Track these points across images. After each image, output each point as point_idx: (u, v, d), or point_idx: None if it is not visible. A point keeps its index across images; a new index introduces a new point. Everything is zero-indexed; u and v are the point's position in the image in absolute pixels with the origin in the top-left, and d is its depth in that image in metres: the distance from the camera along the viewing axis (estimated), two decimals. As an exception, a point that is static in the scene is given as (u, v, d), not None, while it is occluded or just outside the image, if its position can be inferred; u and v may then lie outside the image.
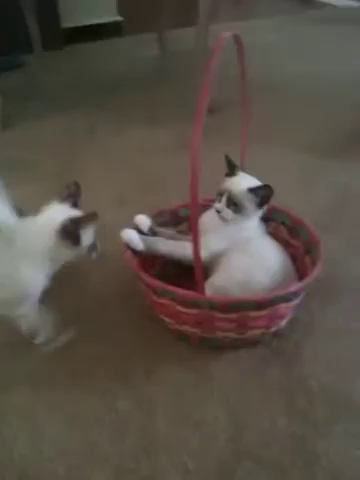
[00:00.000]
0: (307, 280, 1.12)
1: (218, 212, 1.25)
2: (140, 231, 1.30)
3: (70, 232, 1.09)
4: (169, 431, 1.04)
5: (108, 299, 1.37)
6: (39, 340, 1.25)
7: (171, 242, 1.27)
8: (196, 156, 0.92)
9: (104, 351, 1.23)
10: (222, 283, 1.20)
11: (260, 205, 1.24)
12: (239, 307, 1.10)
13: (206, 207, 1.33)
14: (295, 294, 1.13)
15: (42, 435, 1.05)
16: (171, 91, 2.89)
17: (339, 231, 1.62)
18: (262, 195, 1.22)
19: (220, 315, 1.11)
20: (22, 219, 1.15)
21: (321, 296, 1.35)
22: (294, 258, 1.30)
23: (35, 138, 2.39)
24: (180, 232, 1.40)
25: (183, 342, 1.23)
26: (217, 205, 1.26)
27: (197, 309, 1.11)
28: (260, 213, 1.28)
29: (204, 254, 1.16)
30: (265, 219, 1.33)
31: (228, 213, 1.24)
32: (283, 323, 1.21)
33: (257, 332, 1.18)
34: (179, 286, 1.11)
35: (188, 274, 1.09)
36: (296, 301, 1.17)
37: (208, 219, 1.31)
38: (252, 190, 1.22)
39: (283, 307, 1.13)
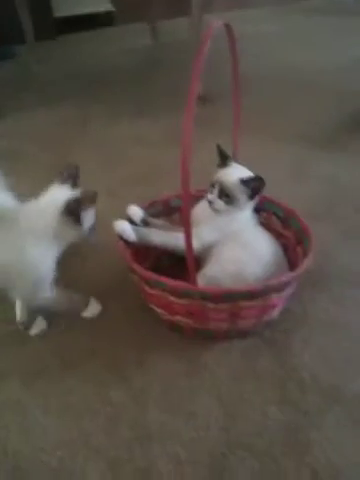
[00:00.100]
0: (298, 270, 1.12)
1: (210, 203, 1.25)
2: (132, 222, 1.29)
3: (73, 211, 1.10)
4: (162, 421, 1.05)
5: (101, 290, 1.37)
6: (33, 331, 1.26)
7: (164, 233, 1.27)
8: (187, 144, 0.92)
9: (97, 342, 1.24)
10: (214, 274, 1.20)
11: (252, 196, 1.24)
12: (231, 297, 1.10)
13: (198, 198, 1.33)
14: (287, 284, 1.13)
15: (34, 427, 1.05)
16: (164, 82, 2.88)
17: (329, 221, 1.62)
18: (253, 186, 1.22)
19: (212, 306, 1.11)
20: (24, 203, 1.16)
21: (312, 286, 1.35)
22: (285, 248, 1.31)
23: (27, 129, 2.38)
24: (172, 222, 1.39)
25: (176, 333, 1.23)
26: (209, 196, 1.25)
27: (189, 300, 1.11)
28: (252, 204, 1.28)
29: (196, 245, 1.17)
30: (257, 209, 1.33)
31: (220, 204, 1.24)
32: (275, 313, 1.22)
33: (249, 322, 1.18)
34: (172, 277, 1.11)
35: (181, 265, 1.09)
36: (288, 291, 1.17)
37: (201, 210, 1.31)
38: (244, 181, 1.22)
39: (275, 297, 1.13)
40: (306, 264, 1.13)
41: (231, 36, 1.14)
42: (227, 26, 1.10)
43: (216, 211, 1.25)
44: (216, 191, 1.24)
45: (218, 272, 1.20)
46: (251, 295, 1.10)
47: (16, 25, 3.16)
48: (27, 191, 1.16)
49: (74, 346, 1.23)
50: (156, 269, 1.18)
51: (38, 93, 2.81)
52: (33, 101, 2.69)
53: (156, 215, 1.38)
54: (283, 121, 2.34)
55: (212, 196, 1.25)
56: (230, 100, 1.25)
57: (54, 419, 1.06)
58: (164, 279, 1.10)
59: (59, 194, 1.14)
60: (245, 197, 1.23)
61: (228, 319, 1.15)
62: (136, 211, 1.32)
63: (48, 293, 1.18)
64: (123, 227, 1.23)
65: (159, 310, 1.22)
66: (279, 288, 1.12)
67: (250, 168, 1.29)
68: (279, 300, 1.17)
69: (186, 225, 0.99)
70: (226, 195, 1.23)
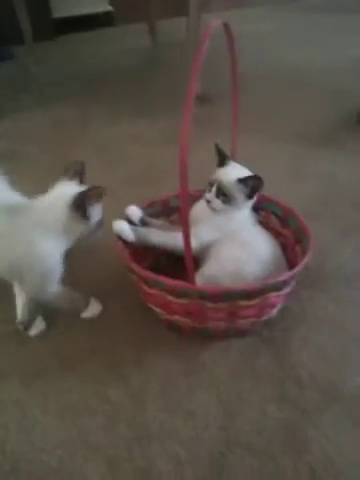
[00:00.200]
0: (297, 269, 1.12)
1: (208, 202, 1.25)
2: (131, 222, 1.29)
3: (80, 206, 1.12)
4: (161, 420, 1.05)
5: (100, 290, 1.37)
6: (33, 332, 1.26)
7: (162, 233, 1.27)
8: (185, 144, 0.92)
9: (96, 342, 1.24)
10: (213, 273, 1.20)
11: (250, 196, 1.24)
12: (229, 297, 1.10)
13: (197, 198, 1.33)
14: (285, 283, 1.13)
15: (33, 427, 1.05)
16: (163, 81, 2.88)
17: (327, 220, 1.63)
18: (251, 186, 1.22)
19: (210, 305, 1.11)
20: (31, 199, 1.18)
21: (311, 285, 1.36)
22: (284, 247, 1.31)
23: (26, 130, 2.39)
24: (172, 222, 1.40)
25: (174, 332, 1.23)
26: (207, 195, 1.26)
27: (188, 299, 1.12)
28: (250, 204, 1.28)
29: (195, 244, 1.17)
30: (255, 209, 1.33)
31: (218, 203, 1.24)
32: (274, 312, 1.22)
33: (248, 321, 1.18)
34: (171, 277, 1.11)
35: (180, 265, 1.09)
36: (286, 290, 1.17)
37: (199, 210, 1.31)
38: (242, 180, 1.22)
39: (273, 296, 1.13)
40: (304, 263, 1.13)
41: (229, 35, 1.14)
42: (225, 25, 1.10)
43: (214, 210, 1.26)
44: (214, 190, 1.24)
45: (217, 271, 1.20)
46: (249, 294, 1.10)
47: (15, 26, 3.17)
48: (27, 191, 1.16)
49: (73, 346, 1.23)
50: (154, 269, 1.18)
51: (37, 94, 2.81)
52: (32, 102, 2.69)
53: (155, 215, 1.39)
54: (281, 120, 2.34)
55: (210, 195, 1.25)
56: (228, 100, 1.25)
57: (53, 419, 1.07)
58: (162, 278, 1.10)
59: (67, 189, 1.15)
60: (243, 196, 1.23)
61: (226, 318, 1.15)
62: (135, 211, 1.32)
63: (55, 288, 1.19)
64: (122, 227, 1.24)
65: (158, 310, 1.22)
66: (278, 287, 1.12)
67: (248, 167, 1.29)
68: (278, 299, 1.17)
69: (184, 225, 0.99)
70: (223, 194, 1.23)
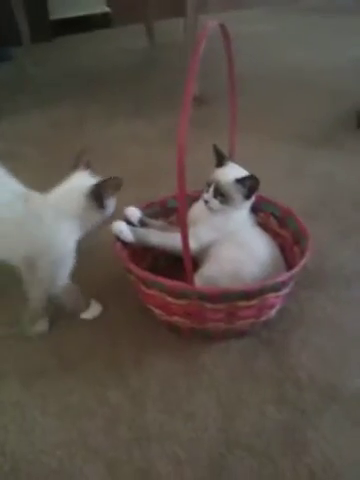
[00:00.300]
0: (295, 270, 1.12)
1: (206, 202, 1.26)
2: (130, 223, 1.30)
3: (98, 196, 1.15)
4: (160, 422, 1.05)
5: (99, 291, 1.37)
6: (36, 329, 1.27)
7: (161, 233, 1.27)
8: (183, 144, 0.92)
9: (95, 342, 1.24)
10: (212, 274, 1.20)
11: (247, 196, 1.24)
12: (228, 297, 1.10)
13: (195, 199, 1.33)
14: (284, 284, 1.13)
15: (33, 428, 1.05)
16: (160, 82, 2.88)
17: (326, 220, 1.63)
18: (249, 186, 1.22)
19: (209, 305, 1.11)
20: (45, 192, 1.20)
21: (310, 285, 1.36)
22: (282, 248, 1.31)
23: (23, 131, 2.38)
24: (171, 223, 1.40)
25: (173, 333, 1.23)
26: (205, 195, 1.26)
27: (187, 300, 1.12)
28: (248, 204, 1.28)
29: (194, 245, 1.17)
30: (254, 210, 1.33)
31: (215, 203, 1.24)
32: (273, 313, 1.22)
33: (247, 322, 1.18)
34: (169, 278, 1.11)
35: (179, 266, 1.09)
36: (285, 291, 1.17)
37: (198, 210, 1.31)
38: (239, 180, 1.22)
39: (272, 297, 1.13)
40: (302, 263, 1.13)
41: (226, 36, 1.14)
42: (222, 26, 1.11)
43: (212, 210, 1.26)
44: (212, 190, 1.24)
45: (216, 272, 1.20)
46: (248, 295, 1.10)
47: (12, 27, 3.16)
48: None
49: (73, 347, 1.23)
50: (153, 269, 1.19)
51: (34, 95, 2.80)
52: (29, 103, 2.68)
53: (153, 216, 1.39)
54: (280, 120, 2.34)
55: (208, 195, 1.25)
56: (226, 101, 1.25)
57: (53, 420, 1.06)
58: (161, 279, 1.10)
59: (84, 179, 1.19)
60: (240, 196, 1.24)
61: (225, 319, 1.15)
62: (133, 212, 1.32)
63: (65, 280, 1.21)
64: (120, 228, 1.24)
65: (157, 311, 1.22)
66: (276, 288, 1.12)
67: (247, 167, 1.29)
68: (276, 300, 1.17)
69: (182, 226, 1.00)
70: (221, 194, 1.23)
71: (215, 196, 1.24)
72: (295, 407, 1.06)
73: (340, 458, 0.96)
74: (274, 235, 1.33)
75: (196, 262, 1.23)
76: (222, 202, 1.24)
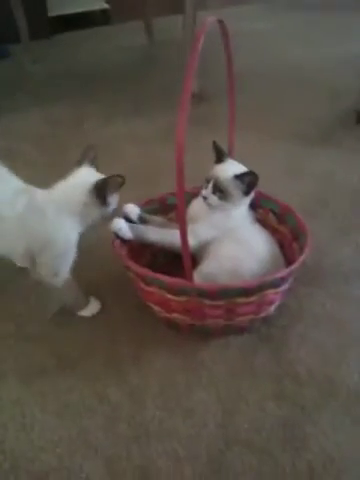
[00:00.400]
0: (294, 266, 1.12)
1: (204, 199, 1.26)
2: (129, 220, 1.29)
3: (101, 192, 1.16)
4: (159, 418, 1.05)
5: (98, 288, 1.37)
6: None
7: (160, 230, 1.27)
8: (181, 141, 0.92)
9: (94, 340, 1.24)
10: (211, 270, 1.20)
11: (246, 192, 1.24)
12: (227, 294, 1.10)
13: (194, 195, 1.33)
14: (283, 280, 1.13)
15: (33, 425, 1.05)
16: (159, 80, 2.88)
17: (324, 217, 1.63)
18: (248, 182, 1.22)
19: (209, 302, 1.11)
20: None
21: (309, 282, 1.36)
22: (281, 244, 1.31)
23: (22, 129, 2.38)
24: (170, 220, 1.40)
25: (173, 330, 1.23)
26: (203, 192, 1.26)
27: (186, 297, 1.12)
28: (247, 201, 1.28)
29: (193, 242, 1.17)
30: (253, 207, 1.33)
31: (214, 199, 1.24)
32: (272, 309, 1.22)
33: (246, 319, 1.18)
34: (169, 275, 1.11)
35: (177, 263, 1.09)
36: (284, 287, 1.17)
37: (198, 207, 1.31)
38: (238, 177, 1.22)
39: (271, 293, 1.13)
40: (301, 260, 1.13)
41: (225, 33, 1.14)
42: (221, 23, 1.10)
43: (210, 206, 1.26)
44: (210, 186, 1.24)
45: (215, 268, 1.20)
46: (247, 291, 1.10)
47: (11, 24, 3.15)
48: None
49: (72, 344, 1.23)
50: (152, 266, 1.19)
51: (33, 92, 2.80)
52: (28, 101, 2.68)
53: (152, 213, 1.38)
54: (278, 118, 2.34)
55: (206, 191, 1.25)
56: (225, 98, 1.25)
57: (52, 417, 1.07)
58: (160, 276, 1.10)
59: (88, 175, 1.19)
60: (239, 193, 1.24)
61: (225, 315, 1.15)
62: (132, 209, 1.32)
63: (66, 274, 1.21)
64: (119, 225, 1.23)
65: (156, 307, 1.22)
66: (275, 284, 1.12)
67: (246, 165, 1.29)
68: (275, 296, 1.17)
69: (181, 223, 0.99)
70: (220, 190, 1.23)
71: (214, 192, 1.24)
72: (294, 403, 1.06)
73: (340, 454, 0.97)
74: (273, 231, 1.33)
75: (195, 259, 1.23)
76: (221, 198, 1.24)
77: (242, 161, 1.31)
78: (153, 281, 1.13)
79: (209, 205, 1.26)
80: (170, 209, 1.43)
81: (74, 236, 1.19)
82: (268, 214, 1.38)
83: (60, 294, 1.25)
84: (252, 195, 1.28)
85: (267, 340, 1.21)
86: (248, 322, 1.20)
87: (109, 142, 2.18)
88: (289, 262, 1.23)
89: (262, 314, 1.20)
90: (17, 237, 1.15)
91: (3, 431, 1.04)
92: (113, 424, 1.05)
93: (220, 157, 1.30)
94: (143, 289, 1.20)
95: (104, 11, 4.01)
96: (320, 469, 0.94)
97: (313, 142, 2.11)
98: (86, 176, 1.19)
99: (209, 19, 0.99)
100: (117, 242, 1.23)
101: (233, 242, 1.23)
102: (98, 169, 1.23)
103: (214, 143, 1.31)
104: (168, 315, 1.20)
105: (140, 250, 1.32)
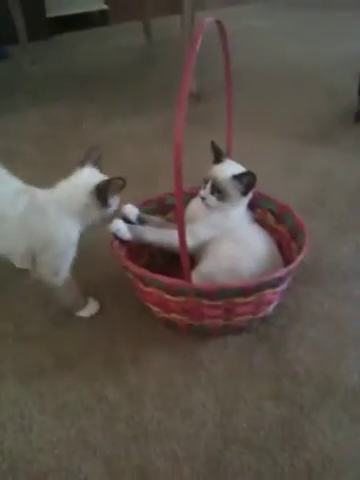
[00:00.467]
0: (292, 265, 1.12)
1: (203, 199, 1.26)
2: (128, 220, 1.29)
3: (102, 194, 1.16)
4: (158, 418, 1.05)
5: (97, 288, 1.37)
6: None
7: (158, 231, 1.27)
8: (179, 141, 0.92)
9: (93, 340, 1.24)
10: (209, 270, 1.20)
11: (245, 192, 1.24)
12: (225, 294, 1.10)
13: (192, 195, 1.33)
14: (281, 279, 1.13)
15: (31, 426, 1.05)
16: (158, 79, 2.88)
17: (322, 216, 1.63)
18: (246, 182, 1.22)
19: (207, 302, 1.11)
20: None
21: (307, 281, 1.36)
22: (279, 244, 1.31)
23: (20, 129, 2.38)
24: (169, 220, 1.40)
25: (171, 330, 1.24)
26: (202, 192, 1.26)
27: (184, 297, 1.12)
28: (245, 201, 1.28)
29: (191, 242, 1.17)
30: (251, 207, 1.33)
31: (212, 200, 1.24)
32: (270, 309, 1.22)
33: (244, 318, 1.18)
34: (167, 275, 1.11)
35: (176, 263, 1.09)
36: (282, 287, 1.17)
37: (196, 207, 1.31)
38: (236, 177, 1.22)
39: (269, 293, 1.13)
40: (299, 259, 1.13)
41: (222, 33, 1.14)
42: (219, 23, 1.11)
43: (209, 207, 1.26)
44: (208, 187, 1.24)
45: (213, 268, 1.20)
46: (246, 291, 1.10)
47: (9, 25, 3.14)
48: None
49: (70, 344, 1.23)
50: (150, 267, 1.19)
51: (31, 93, 2.80)
52: (26, 101, 2.68)
53: (151, 213, 1.38)
54: (277, 117, 2.34)
55: (205, 192, 1.25)
56: (223, 97, 1.25)
57: (51, 418, 1.06)
58: (159, 277, 1.10)
59: (90, 176, 1.20)
60: (238, 193, 1.24)
61: (223, 315, 1.15)
62: (131, 209, 1.32)
63: (65, 273, 1.21)
64: (118, 226, 1.24)
65: (154, 308, 1.22)
66: (274, 284, 1.12)
67: (243, 164, 1.29)
68: (274, 296, 1.17)
69: (179, 223, 1.00)
70: (218, 191, 1.23)
71: (212, 192, 1.24)
72: (293, 402, 1.06)
73: (338, 453, 0.97)
74: (271, 231, 1.33)
75: (193, 259, 1.23)
76: (219, 199, 1.24)
77: (240, 160, 1.31)
78: (151, 281, 1.13)
79: (207, 205, 1.26)
80: (168, 209, 1.43)
81: (75, 235, 1.19)
82: (266, 214, 1.39)
83: (59, 294, 1.25)
84: (250, 195, 1.28)
85: (265, 340, 1.21)
86: (246, 322, 1.20)
87: (107, 142, 2.18)
88: (287, 262, 1.23)
89: (260, 314, 1.20)
90: (19, 236, 1.15)
91: (1, 432, 1.04)
92: (112, 424, 1.04)
93: (218, 157, 1.30)
94: (141, 289, 1.20)
95: (102, 12, 4.01)
96: (319, 468, 0.94)
97: (311, 141, 2.11)
98: (88, 177, 1.19)
99: (207, 20, 0.99)
100: (116, 243, 1.23)
101: (231, 242, 1.24)
102: (101, 170, 1.23)
103: (212, 143, 1.31)
104: (166, 315, 1.20)
105: (139, 251, 1.32)
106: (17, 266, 1.28)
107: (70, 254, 1.20)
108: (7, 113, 2.52)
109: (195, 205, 1.32)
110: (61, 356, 1.20)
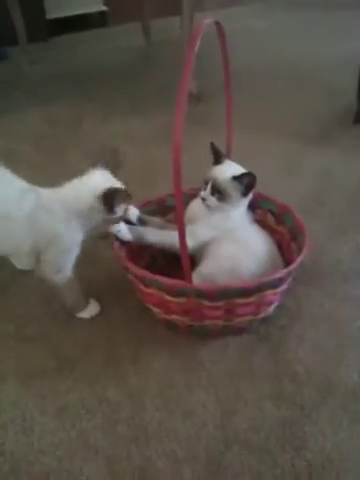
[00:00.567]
0: (292, 266, 1.12)
1: (203, 200, 1.26)
2: (129, 221, 1.30)
3: (109, 200, 1.15)
4: (158, 419, 1.05)
5: (98, 289, 1.37)
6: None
7: (159, 232, 1.27)
8: (178, 141, 0.92)
9: (93, 341, 1.24)
10: (210, 271, 1.20)
11: (245, 193, 1.24)
12: (226, 294, 1.10)
13: (192, 196, 1.34)
14: (281, 280, 1.13)
15: (32, 427, 1.05)
16: (157, 80, 2.88)
17: (322, 216, 1.63)
18: (246, 183, 1.23)
19: (208, 303, 1.11)
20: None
21: (307, 282, 1.36)
22: (280, 244, 1.31)
23: (20, 129, 2.38)
24: (169, 221, 1.40)
25: (172, 331, 1.24)
26: (202, 193, 1.26)
27: (185, 298, 1.12)
28: (246, 201, 1.28)
29: (191, 243, 1.17)
30: (252, 207, 1.33)
31: (212, 201, 1.24)
32: (270, 309, 1.22)
33: (245, 319, 1.18)
34: (168, 276, 1.11)
35: (176, 264, 1.10)
36: (283, 287, 1.17)
37: (196, 208, 1.32)
38: (236, 178, 1.23)
39: (270, 294, 1.13)
40: (299, 260, 1.13)
41: (221, 34, 1.14)
42: (217, 24, 1.11)
43: (209, 208, 1.26)
44: (209, 188, 1.25)
45: (213, 269, 1.20)
46: (246, 292, 1.10)
47: (8, 27, 3.14)
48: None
49: (71, 346, 1.23)
50: (151, 268, 1.19)
51: (31, 93, 2.80)
52: (26, 101, 2.68)
53: (151, 214, 1.38)
54: (276, 117, 2.34)
55: (205, 193, 1.26)
56: (223, 98, 1.25)
57: (52, 419, 1.07)
58: (159, 277, 1.11)
59: (101, 180, 1.19)
60: (238, 194, 1.24)
61: (224, 316, 1.15)
62: (132, 210, 1.32)
63: (68, 272, 1.22)
64: (119, 227, 1.24)
65: (155, 309, 1.22)
66: (274, 284, 1.13)
67: (243, 164, 1.30)
68: (274, 297, 1.17)
69: (179, 224, 1.00)
70: (218, 192, 1.23)
71: (212, 193, 1.24)
72: (293, 403, 1.07)
73: (339, 453, 0.97)
74: (271, 232, 1.33)
75: (194, 260, 1.24)
76: (219, 199, 1.24)
77: (240, 160, 1.31)
78: (152, 282, 1.13)
79: (208, 206, 1.26)
80: (169, 210, 1.43)
81: (79, 234, 1.19)
82: (267, 215, 1.39)
83: (61, 293, 1.25)
84: (250, 196, 1.28)
85: (266, 340, 1.21)
86: (247, 323, 1.20)
87: (107, 142, 2.18)
88: (287, 262, 1.23)
89: (261, 314, 1.20)
90: (25, 236, 1.15)
91: (3, 433, 1.04)
92: (113, 425, 1.05)
93: (218, 158, 1.30)
94: (142, 290, 1.20)
95: (102, 13, 4.01)
96: (319, 469, 0.94)
97: (311, 141, 2.11)
98: (98, 180, 1.18)
99: (206, 21, 0.99)
100: (116, 244, 1.23)
101: (232, 242, 1.24)
102: (115, 173, 1.22)
103: (212, 144, 1.31)
104: (167, 316, 1.20)
105: (139, 252, 1.33)
106: (18, 267, 1.28)
107: (74, 252, 1.20)
108: (6, 113, 2.52)
109: (195, 206, 1.33)
110: (62, 357, 1.20)
